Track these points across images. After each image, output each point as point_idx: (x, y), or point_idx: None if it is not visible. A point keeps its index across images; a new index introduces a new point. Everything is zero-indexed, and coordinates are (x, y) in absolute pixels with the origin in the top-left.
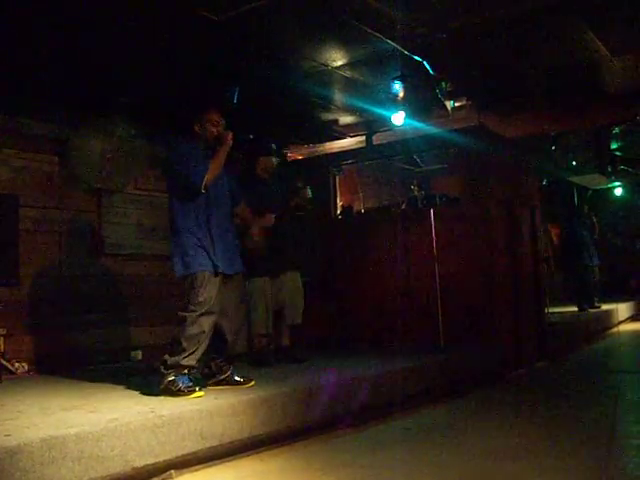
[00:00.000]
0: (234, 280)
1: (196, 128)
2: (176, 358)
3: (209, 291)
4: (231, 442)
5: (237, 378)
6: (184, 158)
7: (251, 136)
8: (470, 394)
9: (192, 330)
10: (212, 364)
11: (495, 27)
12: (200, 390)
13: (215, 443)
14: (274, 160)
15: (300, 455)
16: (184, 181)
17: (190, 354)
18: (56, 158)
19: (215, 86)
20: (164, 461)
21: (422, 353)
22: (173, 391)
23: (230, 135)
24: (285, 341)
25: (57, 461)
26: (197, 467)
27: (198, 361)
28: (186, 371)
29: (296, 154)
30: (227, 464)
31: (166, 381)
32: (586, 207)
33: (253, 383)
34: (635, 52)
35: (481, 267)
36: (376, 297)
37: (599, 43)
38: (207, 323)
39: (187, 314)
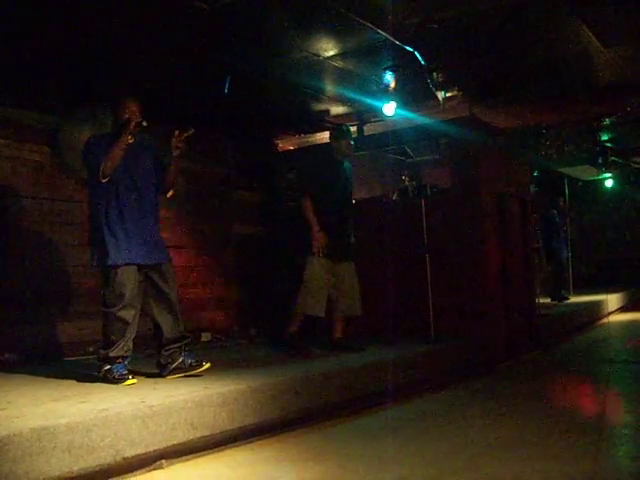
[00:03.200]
0: (159, 271)
1: (116, 114)
2: (107, 351)
3: (126, 285)
4: (222, 432)
5: (190, 362)
6: (91, 147)
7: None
8: (461, 385)
9: (116, 325)
10: (160, 356)
11: (487, 18)
12: (133, 378)
13: (206, 433)
14: (349, 142)
15: (291, 445)
16: (88, 171)
17: (117, 346)
18: (47, 148)
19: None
20: (155, 451)
21: (413, 344)
22: (109, 379)
23: (133, 123)
24: (337, 333)
25: (47, 451)
26: (188, 457)
27: (128, 351)
28: (120, 360)
29: (287, 144)
30: (218, 454)
31: (104, 369)
32: (561, 204)
33: (208, 365)
34: (626, 44)
35: (472, 258)
36: (366, 288)
37: (590, 34)
38: (129, 315)
39: (108, 310)
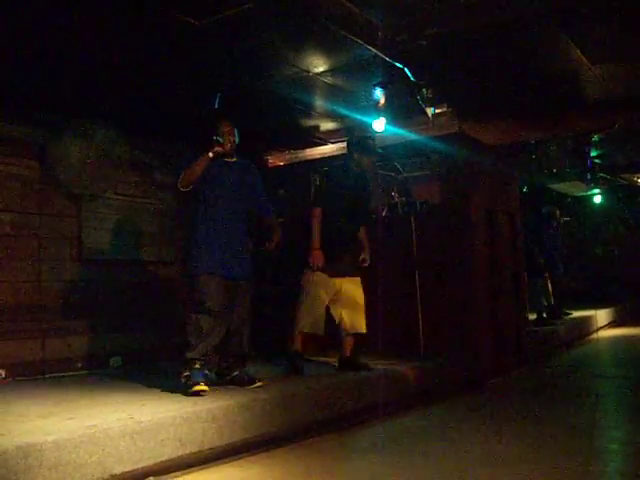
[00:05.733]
0: (238, 286)
1: (217, 138)
2: (186, 354)
3: (206, 293)
4: (210, 448)
5: (242, 377)
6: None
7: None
8: (450, 401)
9: (190, 327)
10: (222, 364)
11: (476, 35)
12: (205, 385)
13: (194, 449)
14: (372, 158)
15: (279, 461)
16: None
17: (193, 348)
18: (36, 163)
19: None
20: (143, 468)
21: (402, 361)
22: (185, 384)
23: (220, 148)
24: (346, 352)
25: (33, 469)
26: (176, 473)
27: (204, 356)
28: (198, 366)
29: (277, 160)
30: (206, 470)
31: (184, 376)
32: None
33: (259, 384)
34: (614, 61)
35: (461, 274)
36: None
37: (579, 52)
38: (204, 320)
39: (187, 312)
